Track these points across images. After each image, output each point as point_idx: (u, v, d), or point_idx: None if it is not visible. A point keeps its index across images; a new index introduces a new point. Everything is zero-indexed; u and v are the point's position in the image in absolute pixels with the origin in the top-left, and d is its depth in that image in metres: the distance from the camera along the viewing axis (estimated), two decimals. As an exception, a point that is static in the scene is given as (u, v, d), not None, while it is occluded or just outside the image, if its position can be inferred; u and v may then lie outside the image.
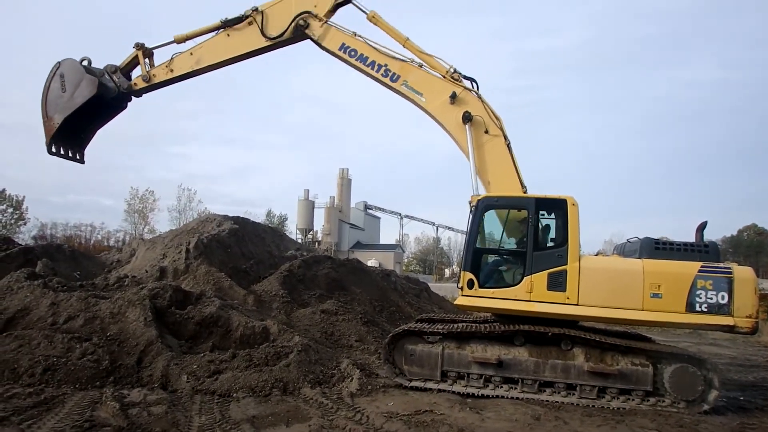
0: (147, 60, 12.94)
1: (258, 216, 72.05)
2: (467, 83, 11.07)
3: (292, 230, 76.73)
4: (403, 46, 11.58)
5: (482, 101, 10.83)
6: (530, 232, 9.32)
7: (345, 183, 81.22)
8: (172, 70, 12.73)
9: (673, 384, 8.56)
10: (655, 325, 10.15)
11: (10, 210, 60.74)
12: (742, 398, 10.00)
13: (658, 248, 9.19)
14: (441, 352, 9.28)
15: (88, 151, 13.46)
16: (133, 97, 13.19)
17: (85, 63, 12.67)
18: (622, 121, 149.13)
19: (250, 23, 12.18)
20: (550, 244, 9.49)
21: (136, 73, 13.01)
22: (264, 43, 12.16)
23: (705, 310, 8.67)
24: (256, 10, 12.12)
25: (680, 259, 9.00)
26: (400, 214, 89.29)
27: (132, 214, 61.59)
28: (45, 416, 6.91)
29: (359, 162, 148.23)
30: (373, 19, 11.83)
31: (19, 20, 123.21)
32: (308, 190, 77.77)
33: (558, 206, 9.40)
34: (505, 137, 10.61)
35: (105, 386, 8.36)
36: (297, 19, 11.83)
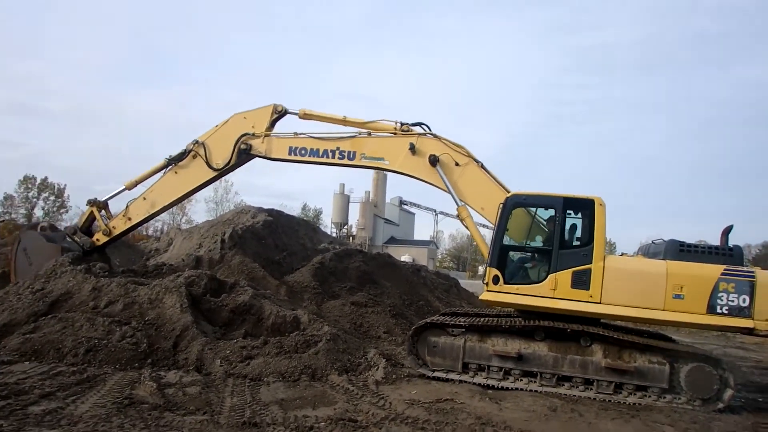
0: (103, 212, 13.16)
1: (294, 209, 72.88)
2: (418, 129, 11.29)
3: (327, 224, 77.32)
4: (344, 125, 11.82)
5: (439, 139, 11.06)
6: (557, 230, 9.46)
7: (380, 178, 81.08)
8: (130, 219, 12.91)
9: (689, 382, 8.70)
10: (675, 326, 10.31)
11: (52, 198, 62.89)
12: (761, 399, 10.09)
13: (682, 250, 9.29)
14: (463, 345, 9.51)
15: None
16: (97, 251, 13.31)
17: (45, 225, 13.16)
18: (674, 123, 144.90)
19: (194, 156, 12.34)
20: (575, 243, 9.60)
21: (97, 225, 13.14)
22: (212, 174, 12.37)
23: (726, 312, 8.77)
24: (197, 143, 12.33)
25: (704, 261, 9.09)
26: (435, 211, 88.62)
27: (170, 204, 63.00)
28: (88, 393, 7.34)
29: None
30: (306, 116, 12.13)
31: (61, 11, 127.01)
32: (344, 185, 78.02)
33: (585, 206, 9.52)
34: (476, 160, 10.83)
35: (143, 367, 8.81)
36: (238, 144, 12.05)
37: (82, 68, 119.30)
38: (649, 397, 8.87)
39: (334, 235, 57.30)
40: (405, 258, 42.19)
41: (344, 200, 77.37)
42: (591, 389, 9.00)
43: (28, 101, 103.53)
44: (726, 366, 8.79)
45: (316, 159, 11.81)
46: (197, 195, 59.15)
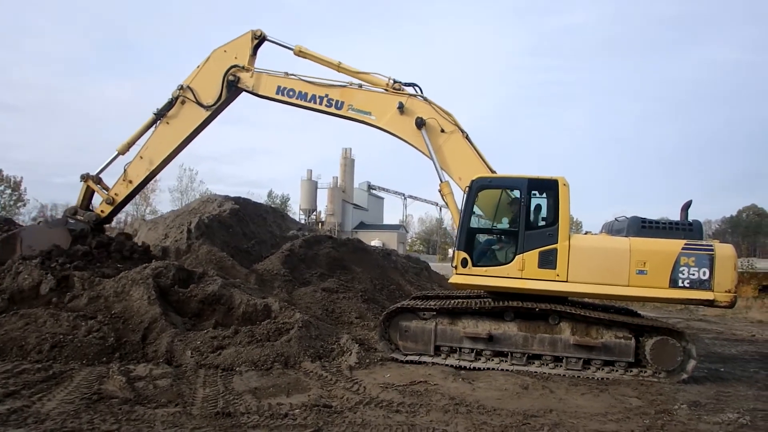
0: (99, 185, 12.81)
1: (260, 197, 71.98)
2: (410, 89, 11.22)
3: (296, 211, 76.88)
4: (338, 70, 11.68)
5: (429, 103, 11.01)
6: (522, 211, 9.55)
7: (348, 163, 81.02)
8: (131, 182, 12.60)
9: (654, 355, 8.96)
10: (640, 300, 10.63)
11: (8, 191, 60.81)
12: (722, 369, 10.49)
13: (644, 227, 9.49)
14: (434, 328, 9.60)
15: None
16: (104, 223, 13.07)
17: (41, 221, 12.56)
18: (641, 105, 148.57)
19: (182, 102, 12.14)
20: (541, 223, 9.72)
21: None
22: (205, 113, 12.14)
23: (687, 285, 9.03)
24: (182, 88, 12.11)
25: (665, 237, 9.32)
26: (403, 195, 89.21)
27: (133, 195, 61.35)
28: (54, 390, 7.15)
29: (363, 141, 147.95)
30: (301, 53, 11.91)
31: (21, 2, 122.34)
32: (311, 170, 77.65)
33: (550, 186, 9.64)
34: (462, 130, 10.81)
35: (111, 362, 8.61)
36: (227, 76, 11.85)
37: (39, 58, 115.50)
38: (617, 371, 9.12)
39: (302, 221, 56.92)
40: (375, 243, 42.16)
41: (312, 186, 76.95)
42: (560, 366, 9.21)
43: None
44: (688, 338, 9.09)
45: (303, 102, 11.68)
46: (161, 185, 58.37)
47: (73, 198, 13.08)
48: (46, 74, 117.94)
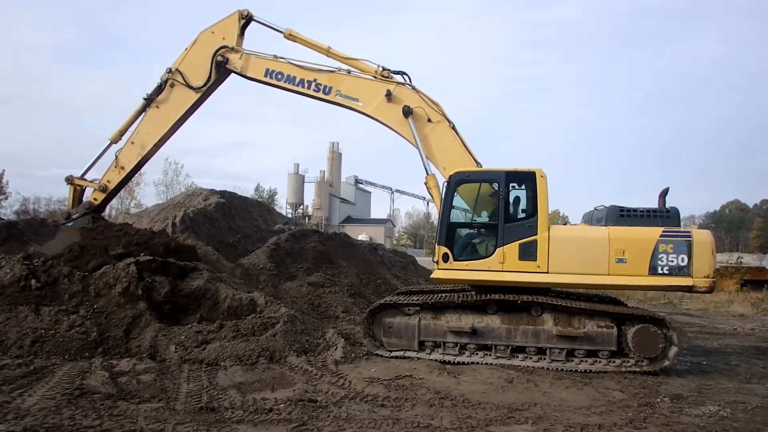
0: (86, 181, 12.83)
1: (247, 191, 71.65)
2: (398, 78, 11.22)
3: (282, 205, 76.58)
4: (327, 55, 11.66)
5: (417, 92, 11.01)
6: (501, 204, 9.59)
7: (335, 157, 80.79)
8: (123, 168, 12.52)
9: (636, 343, 8.97)
10: (620, 289, 10.69)
11: (-10, 184, 60.02)
12: (704, 362, 10.57)
13: (623, 215, 9.54)
14: (418, 324, 9.61)
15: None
16: (97, 212, 13.03)
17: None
18: (621, 98, 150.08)
19: (172, 85, 12.11)
20: (520, 215, 9.77)
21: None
22: (195, 96, 12.09)
23: (666, 272, 9.10)
24: (171, 71, 12.08)
25: (644, 224, 9.38)
26: (391, 189, 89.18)
27: (117, 188, 60.56)
28: (35, 385, 7.08)
29: (351, 135, 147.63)
30: (291, 36, 11.89)
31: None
32: (298, 164, 77.32)
33: (527, 178, 9.68)
34: (449, 120, 10.83)
35: (94, 357, 8.52)
36: (215, 56, 11.82)
37: (21, 49, 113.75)
38: (600, 362, 9.12)
39: (289, 215, 56.70)
40: (362, 237, 42.20)
41: (299, 180, 76.66)
42: (544, 359, 9.22)
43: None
44: (669, 325, 9.09)
45: (290, 86, 11.65)
46: (146, 178, 57.92)
47: (56, 191, 12.98)
48: (26, 64, 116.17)
